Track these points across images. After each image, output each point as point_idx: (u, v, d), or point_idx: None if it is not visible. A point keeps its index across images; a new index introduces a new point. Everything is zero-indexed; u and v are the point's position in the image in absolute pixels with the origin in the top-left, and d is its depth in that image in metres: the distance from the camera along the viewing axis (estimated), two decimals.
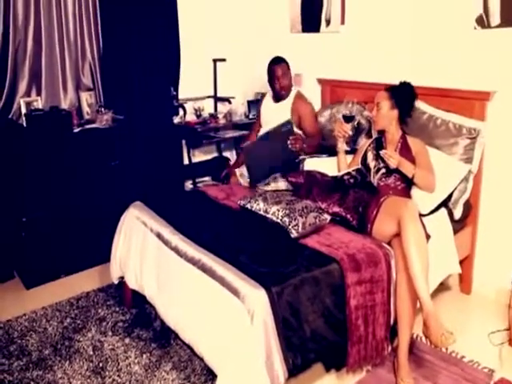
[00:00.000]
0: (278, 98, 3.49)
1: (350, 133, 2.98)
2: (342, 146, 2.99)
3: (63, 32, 3.57)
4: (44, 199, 3.27)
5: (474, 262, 3.15)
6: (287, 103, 3.45)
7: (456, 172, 2.84)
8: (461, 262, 2.91)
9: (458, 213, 2.88)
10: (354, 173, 2.77)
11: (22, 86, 3.46)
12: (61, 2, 3.50)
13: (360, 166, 2.83)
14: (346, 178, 2.77)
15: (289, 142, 3.07)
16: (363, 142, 3.12)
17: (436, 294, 2.90)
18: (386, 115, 2.82)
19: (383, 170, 2.78)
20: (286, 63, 3.45)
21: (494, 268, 3.07)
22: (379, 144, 2.89)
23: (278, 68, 3.40)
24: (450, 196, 2.85)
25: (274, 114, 3.45)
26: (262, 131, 3.28)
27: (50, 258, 3.35)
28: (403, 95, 2.84)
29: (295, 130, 3.27)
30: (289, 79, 3.44)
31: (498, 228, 3.02)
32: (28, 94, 3.49)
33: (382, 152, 2.69)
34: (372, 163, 2.84)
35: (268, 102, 3.60)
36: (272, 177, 3.13)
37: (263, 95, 3.72)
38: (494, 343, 2.63)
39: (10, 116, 3.43)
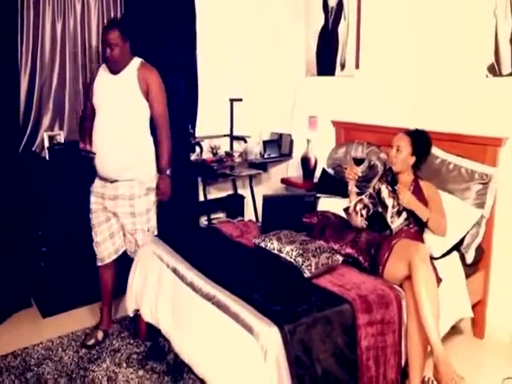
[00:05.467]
0: (111, 70, 2.88)
1: (360, 174, 3.03)
2: (352, 188, 3.04)
3: (86, 70, 3.70)
4: (64, 230, 3.35)
5: (486, 307, 3.14)
6: (131, 72, 2.87)
7: (468, 217, 2.88)
8: (473, 306, 2.92)
9: (470, 257, 2.90)
10: (366, 199, 2.81)
11: (46, 121, 3.56)
12: (85, 41, 3.64)
13: (371, 191, 2.86)
14: (358, 207, 2.82)
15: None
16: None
17: (448, 338, 2.88)
18: (405, 159, 2.87)
19: (405, 215, 2.77)
20: (121, 29, 2.80)
21: (507, 313, 3.06)
22: (393, 179, 2.92)
23: (107, 34, 2.77)
24: (462, 240, 2.88)
25: (112, 87, 2.87)
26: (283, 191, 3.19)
27: (67, 289, 3.41)
28: (422, 145, 2.90)
29: (143, 100, 2.86)
30: (121, 52, 2.80)
31: (511, 273, 3.02)
32: (51, 128, 3.59)
33: (397, 186, 2.74)
34: (389, 200, 2.80)
35: (104, 75, 2.93)
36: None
37: (98, 69, 3.06)
38: None
39: (33, 149, 3.54)
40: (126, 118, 2.86)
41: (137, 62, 2.92)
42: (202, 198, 4.24)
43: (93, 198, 2.97)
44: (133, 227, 2.95)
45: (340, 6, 3.92)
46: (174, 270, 2.60)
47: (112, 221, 2.99)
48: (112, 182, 2.90)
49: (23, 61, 3.39)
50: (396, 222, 2.78)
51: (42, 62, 3.47)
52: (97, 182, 2.97)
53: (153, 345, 2.95)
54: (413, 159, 2.88)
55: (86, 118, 3.01)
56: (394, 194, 2.77)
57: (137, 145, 2.89)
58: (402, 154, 2.85)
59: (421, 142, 2.90)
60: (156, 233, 3.06)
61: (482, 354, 3.04)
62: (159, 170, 2.98)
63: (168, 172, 2.99)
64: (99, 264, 3.05)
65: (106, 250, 3.01)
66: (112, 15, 3.67)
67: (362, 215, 2.82)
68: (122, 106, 2.85)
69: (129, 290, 2.91)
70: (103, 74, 2.93)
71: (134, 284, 2.88)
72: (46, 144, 3.46)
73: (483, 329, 3.15)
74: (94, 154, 2.85)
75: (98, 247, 3.02)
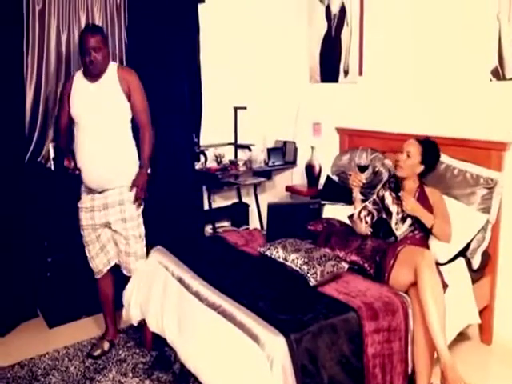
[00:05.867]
0: (92, 75, 2.82)
1: (364, 181, 3.03)
2: (357, 194, 3.04)
3: None
4: (70, 240, 3.34)
5: (494, 312, 3.12)
6: (111, 75, 2.85)
7: (474, 222, 2.87)
8: (480, 312, 2.90)
9: (476, 262, 2.89)
10: (370, 206, 2.81)
11: (52, 132, 3.55)
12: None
13: (375, 197, 2.85)
14: (362, 214, 2.81)
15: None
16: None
17: (455, 344, 2.87)
18: (413, 167, 2.86)
19: (409, 221, 2.77)
20: (103, 35, 2.84)
21: None
22: (396, 186, 2.92)
23: (90, 38, 2.73)
24: (468, 245, 2.87)
25: (93, 94, 2.81)
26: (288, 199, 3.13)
27: (73, 299, 3.42)
28: (432, 156, 2.91)
29: (126, 102, 2.85)
30: (103, 56, 2.79)
31: None
32: None
33: (401, 193, 2.74)
34: (393, 207, 2.81)
35: (81, 84, 2.85)
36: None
37: (72, 77, 2.96)
38: None
39: (38, 159, 3.55)
40: (111, 124, 2.83)
41: (114, 65, 2.92)
42: (206, 207, 4.25)
43: (82, 215, 2.95)
44: (126, 233, 2.94)
45: (343, 12, 3.94)
46: (180, 280, 2.60)
47: (102, 234, 2.98)
48: (101, 192, 2.89)
49: (29, 72, 3.41)
50: (401, 229, 2.77)
51: (47, 74, 3.49)
52: (84, 197, 2.95)
53: (159, 354, 2.95)
54: (421, 168, 2.87)
55: (62, 133, 2.97)
56: (398, 200, 2.77)
57: (124, 150, 2.90)
58: (411, 161, 2.84)
59: (431, 153, 2.90)
60: (144, 240, 3.07)
61: (490, 360, 3.02)
62: (139, 167, 2.97)
63: (149, 170, 3.00)
64: (97, 277, 3.06)
65: (100, 262, 3.02)
66: (116, 26, 3.69)
67: (366, 222, 2.82)
68: (106, 112, 2.81)
69: (131, 299, 2.89)
70: (80, 82, 2.85)
71: (138, 293, 2.87)
72: (52, 155, 3.47)
73: (491, 335, 3.13)
74: (80, 171, 2.83)
75: (93, 262, 3.03)
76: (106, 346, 3.02)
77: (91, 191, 2.90)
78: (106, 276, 3.06)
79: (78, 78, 2.87)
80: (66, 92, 2.89)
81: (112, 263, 3.05)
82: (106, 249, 3.01)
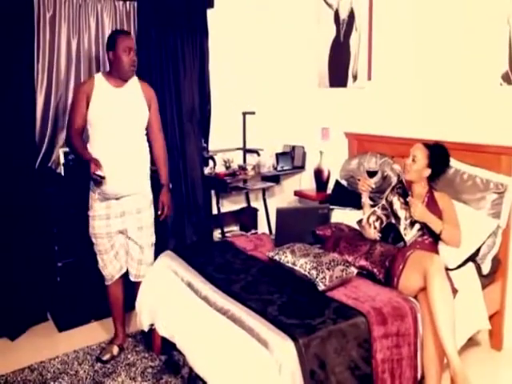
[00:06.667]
0: (124, 78, 2.80)
1: (373, 186, 3.03)
2: (366, 200, 3.03)
3: None
4: (80, 245, 3.37)
5: (504, 318, 3.09)
6: (135, 84, 2.88)
7: (484, 227, 2.85)
8: (490, 318, 2.88)
9: (486, 268, 2.87)
10: (379, 211, 2.81)
11: (62, 137, 3.59)
12: (100, 58, 3.70)
13: (384, 202, 2.85)
14: (371, 219, 2.81)
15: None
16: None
17: (465, 350, 2.85)
18: (420, 171, 2.85)
19: (418, 226, 2.76)
20: None
21: None
22: (405, 191, 2.90)
23: (131, 40, 2.80)
24: (478, 251, 2.85)
25: (118, 99, 2.78)
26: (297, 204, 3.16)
27: (83, 303, 3.44)
28: (440, 160, 2.90)
29: (148, 112, 2.88)
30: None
31: None
32: None
33: (409, 199, 2.73)
34: (402, 212, 2.79)
35: (104, 88, 2.77)
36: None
37: (85, 82, 2.91)
38: None
39: (49, 165, 3.59)
40: (132, 130, 2.84)
41: (136, 77, 2.92)
42: (215, 211, 4.26)
43: (96, 223, 2.89)
44: (141, 242, 2.96)
45: (351, 17, 3.94)
46: (189, 284, 2.61)
47: (116, 242, 2.97)
48: (117, 198, 2.85)
49: (39, 78, 3.46)
50: (410, 234, 2.76)
51: (57, 79, 3.53)
52: (97, 205, 2.86)
53: (167, 359, 2.95)
54: (428, 171, 2.86)
55: (76, 135, 2.78)
56: (406, 205, 2.76)
57: (141, 157, 2.92)
58: (417, 166, 2.84)
59: (439, 157, 2.89)
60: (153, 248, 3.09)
61: (500, 366, 3.00)
62: (160, 185, 3.03)
63: (170, 186, 3.06)
64: (109, 283, 3.06)
65: (113, 269, 3.02)
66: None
67: (375, 227, 2.81)
68: (129, 117, 2.81)
69: (141, 305, 2.91)
70: (102, 85, 2.78)
71: (148, 299, 2.88)
72: (62, 160, 3.51)
73: (501, 340, 3.11)
74: (104, 177, 2.67)
75: (105, 270, 3.02)
76: (115, 350, 3.03)
77: (106, 198, 2.84)
78: (117, 281, 3.07)
79: (100, 81, 2.79)
80: (85, 92, 2.76)
81: (124, 270, 3.06)
82: (119, 255, 3.01)
